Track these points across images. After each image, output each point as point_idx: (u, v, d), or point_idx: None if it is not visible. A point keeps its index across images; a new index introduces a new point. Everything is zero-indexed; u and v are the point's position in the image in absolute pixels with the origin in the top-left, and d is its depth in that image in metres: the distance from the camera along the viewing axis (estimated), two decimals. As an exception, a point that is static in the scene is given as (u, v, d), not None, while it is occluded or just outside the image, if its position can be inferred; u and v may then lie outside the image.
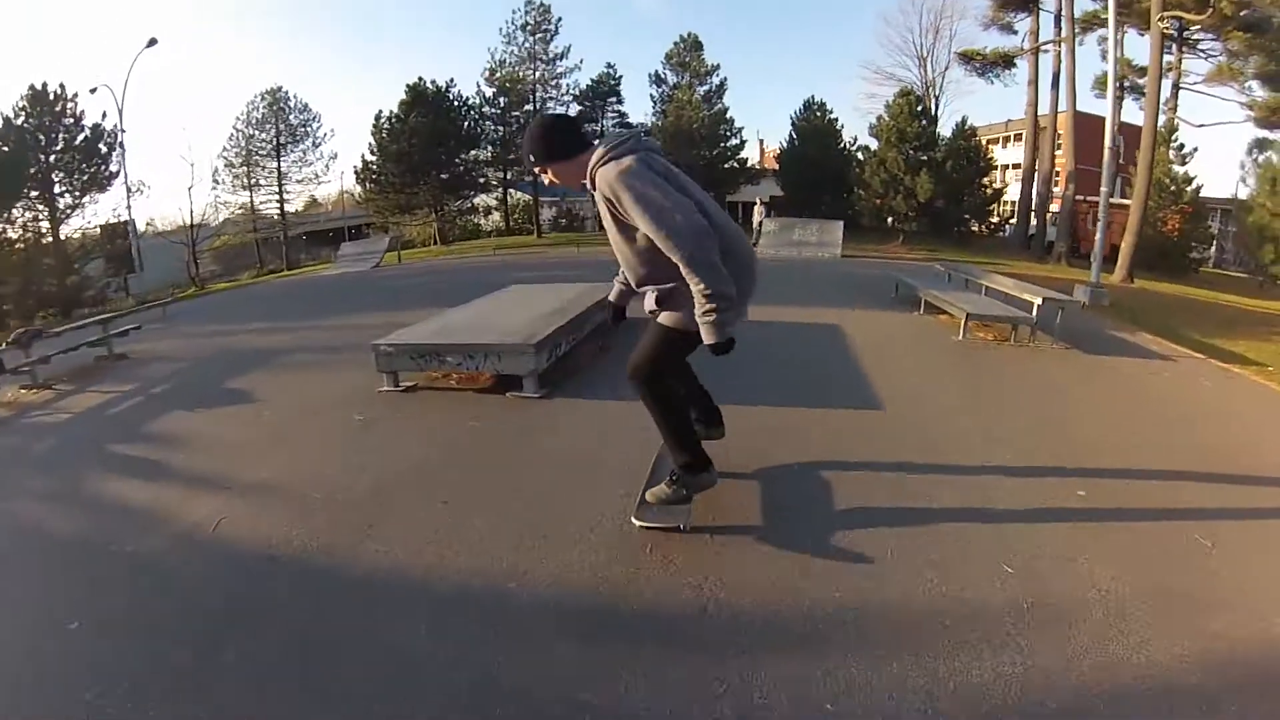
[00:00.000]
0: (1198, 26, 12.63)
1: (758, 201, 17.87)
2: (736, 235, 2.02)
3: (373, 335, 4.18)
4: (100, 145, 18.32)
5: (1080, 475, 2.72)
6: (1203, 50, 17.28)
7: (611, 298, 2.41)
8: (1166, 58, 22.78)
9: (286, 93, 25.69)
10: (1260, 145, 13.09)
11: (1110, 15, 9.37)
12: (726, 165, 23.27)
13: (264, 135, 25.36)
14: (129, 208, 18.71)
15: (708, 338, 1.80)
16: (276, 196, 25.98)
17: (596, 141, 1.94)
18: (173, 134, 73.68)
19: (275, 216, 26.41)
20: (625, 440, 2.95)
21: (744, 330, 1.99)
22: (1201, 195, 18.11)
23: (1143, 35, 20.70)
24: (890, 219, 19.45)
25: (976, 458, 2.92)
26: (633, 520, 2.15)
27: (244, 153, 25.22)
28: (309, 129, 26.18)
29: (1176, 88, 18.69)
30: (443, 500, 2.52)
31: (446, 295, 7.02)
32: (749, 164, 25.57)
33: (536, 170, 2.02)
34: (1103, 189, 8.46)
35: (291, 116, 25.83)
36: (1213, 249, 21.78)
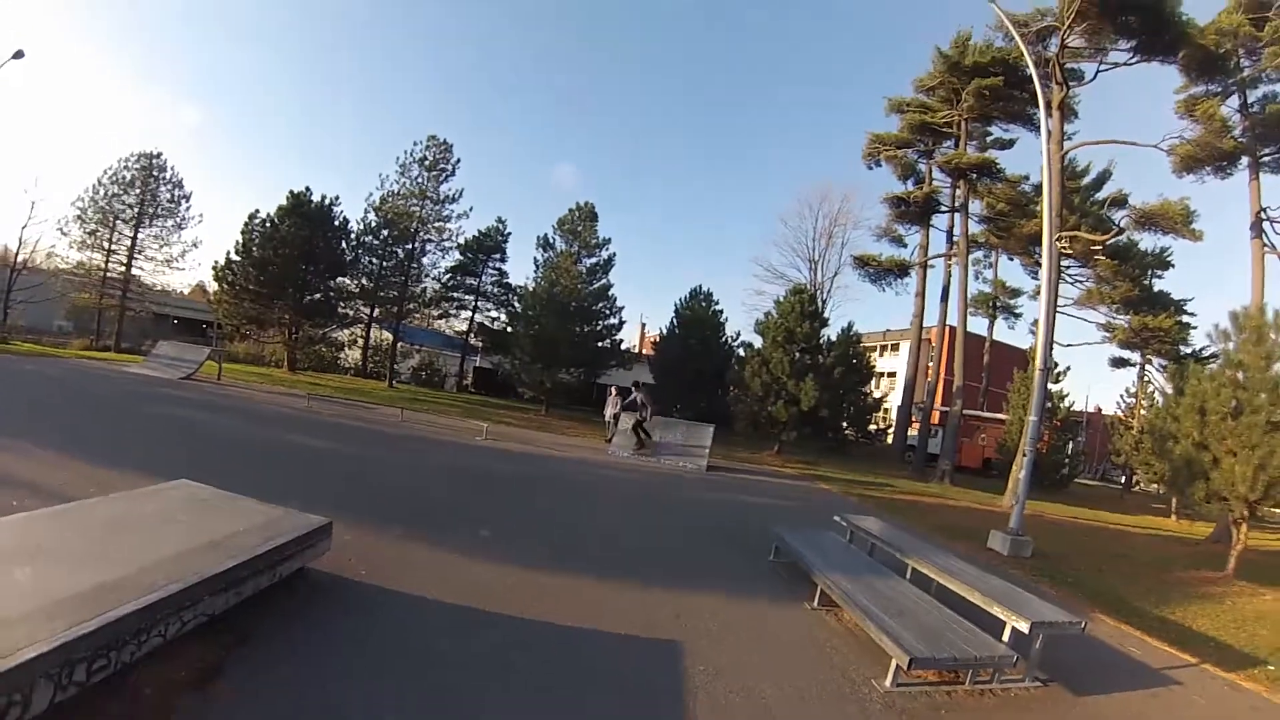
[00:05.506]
0: (1069, 252, 13.71)
1: (611, 391, 14.91)
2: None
3: None
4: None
5: None
6: (1069, 276, 19.19)
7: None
8: (1034, 282, 25.83)
9: (164, 160, 23.23)
10: (1177, 369, 10.86)
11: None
12: (600, 344, 20.48)
13: (128, 199, 22.29)
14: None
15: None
16: (124, 266, 22.31)
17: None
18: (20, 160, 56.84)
19: (138, 286, 23.18)
20: None
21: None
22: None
23: (1012, 260, 23.49)
24: (767, 425, 16.59)
25: None
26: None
27: (101, 211, 21.89)
28: (177, 207, 23.52)
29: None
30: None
31: (189, 444, 6.36)
32: (623, 346, 22.84)
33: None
34: (1032, 417, 7.77)
35: (162, 188, 23.15)
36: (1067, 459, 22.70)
